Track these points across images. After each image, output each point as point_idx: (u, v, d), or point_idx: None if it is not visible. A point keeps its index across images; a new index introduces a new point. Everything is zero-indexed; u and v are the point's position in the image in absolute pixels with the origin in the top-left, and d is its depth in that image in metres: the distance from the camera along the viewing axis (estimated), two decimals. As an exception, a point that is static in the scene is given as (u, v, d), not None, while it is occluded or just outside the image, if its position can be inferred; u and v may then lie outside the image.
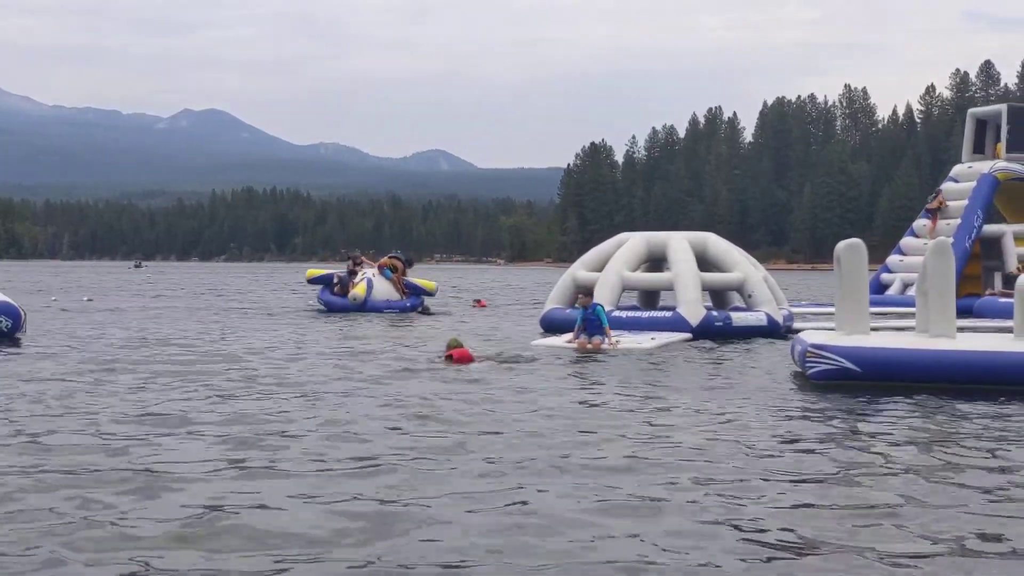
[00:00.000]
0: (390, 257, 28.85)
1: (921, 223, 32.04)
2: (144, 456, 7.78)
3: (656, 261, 21.71)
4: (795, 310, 23.33)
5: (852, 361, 12.08)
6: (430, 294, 29.07)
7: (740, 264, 20.87)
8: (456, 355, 14.41)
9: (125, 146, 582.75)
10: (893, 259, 32.35)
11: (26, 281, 55.41)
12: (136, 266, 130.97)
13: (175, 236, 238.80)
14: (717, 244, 21.24)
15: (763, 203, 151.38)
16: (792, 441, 8.59)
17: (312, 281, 29.65)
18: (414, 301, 27.97)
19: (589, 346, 16.85)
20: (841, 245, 13.55)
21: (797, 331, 20.78)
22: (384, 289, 27.74)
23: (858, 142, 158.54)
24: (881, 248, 50.20)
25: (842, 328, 13.19)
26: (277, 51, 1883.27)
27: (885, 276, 31.95)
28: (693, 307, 19.68)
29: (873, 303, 18.64)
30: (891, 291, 30.97)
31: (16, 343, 17.52)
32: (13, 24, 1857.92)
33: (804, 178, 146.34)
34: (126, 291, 45.37)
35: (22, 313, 18.54)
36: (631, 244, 21.06)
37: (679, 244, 20.63)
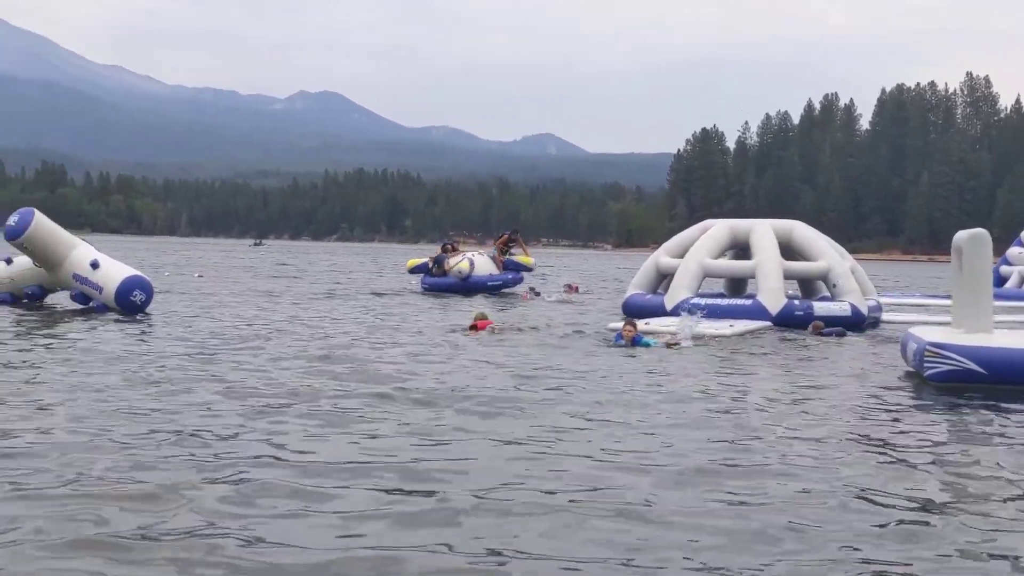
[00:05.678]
0: (504, 236, 30.26)
1: None
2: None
3: (741, 249, 21.49)
4: (883, 300, 22.84)
5: (977, 362, 11.04)
6: (528, 269, 30.32)
7: (825, 253, 20.49)
8: (480, 325, 16.31)
9: (242, 126, 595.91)
10: (1013, 251, 31.66)
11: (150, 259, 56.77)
12: (256, 244, 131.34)
13: (288, 215, 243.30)
14: (802, 233, 20.88)
15: (878, 192, 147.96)
16: (912, 453, 7.69)
17: (413, 271, 30.22)
18: (515, 276, 29.16)
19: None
20: (963, 235, 12.34)
21: (884, 323, 20.46)
22: (485, 266, 28.60)
23: (979, 131, 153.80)
24: (1001, 241, 48.80)
25: (961, 325, 12.12)
26: (393, 36, 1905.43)
27: (1004, 268, 31.26)
28: (773, 295, 19.41)
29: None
30: (1009, 284, 30.24)
31: (148, 317, 17.82)
32: (140, 7, 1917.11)
33: (921, 167, 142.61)
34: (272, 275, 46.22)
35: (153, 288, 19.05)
36: (714, 231, 20.86)
37: (763, 232, 20.36)
